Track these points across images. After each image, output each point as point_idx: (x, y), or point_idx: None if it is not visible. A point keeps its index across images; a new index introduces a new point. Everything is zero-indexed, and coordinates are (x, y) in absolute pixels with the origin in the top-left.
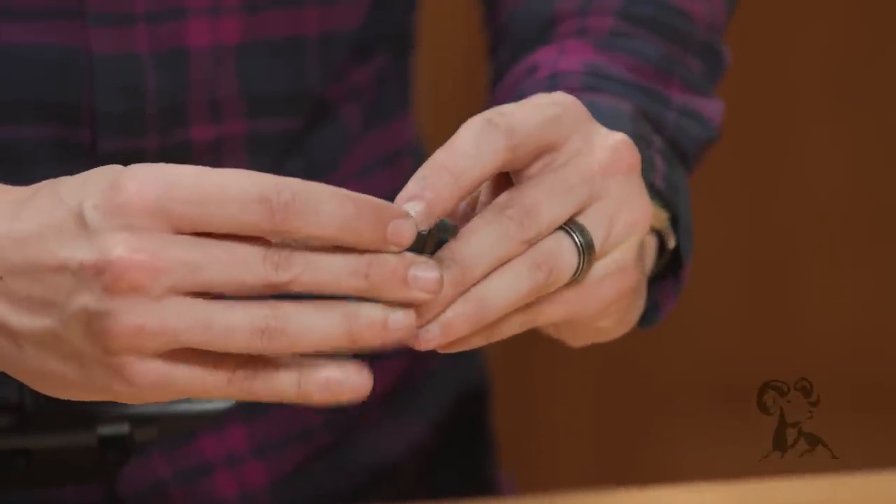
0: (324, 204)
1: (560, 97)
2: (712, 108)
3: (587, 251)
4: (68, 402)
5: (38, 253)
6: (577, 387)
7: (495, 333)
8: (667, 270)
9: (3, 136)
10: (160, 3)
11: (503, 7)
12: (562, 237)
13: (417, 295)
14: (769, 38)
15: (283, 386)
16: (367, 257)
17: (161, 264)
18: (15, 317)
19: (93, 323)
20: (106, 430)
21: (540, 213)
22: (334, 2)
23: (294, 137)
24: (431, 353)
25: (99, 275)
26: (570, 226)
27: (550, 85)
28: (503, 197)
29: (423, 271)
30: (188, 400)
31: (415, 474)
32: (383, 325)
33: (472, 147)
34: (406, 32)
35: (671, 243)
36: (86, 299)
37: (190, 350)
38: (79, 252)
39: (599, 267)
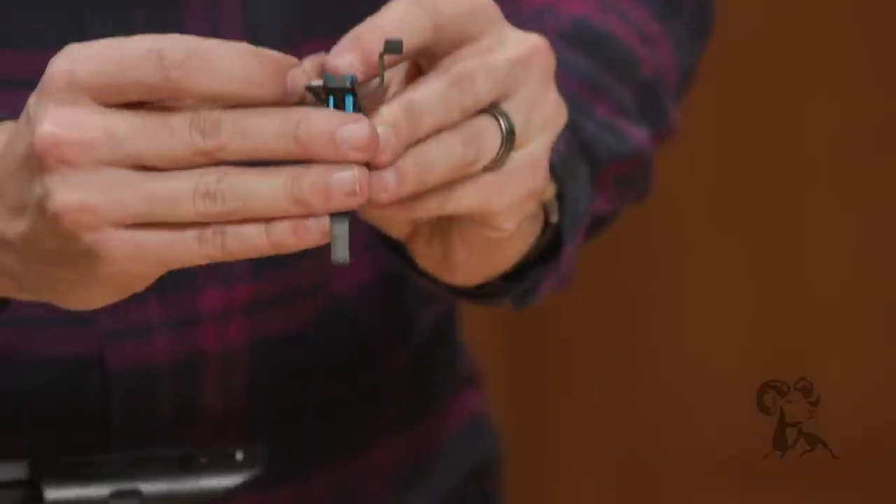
0: (224, 58)
1: None
2: (637, 133)
3: (509, 137)
4: (75, 475)
5: (8, 158)
6: (588, 462)
7: (413, 209)
8: (549, 253)
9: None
10: None
11: None
12: (488, 118)
13: (350, 154)
14: (779, 109)
15: (252, 236)
16: (294, 116)
17: (85, 135)
18: (9, 227)
19: (45, 209)
20: None
21: (476, 83)
22: None
23: None
24: (442, 426)
25: (32, 158)
26: (494, 110)
27: None
28: (440, 67)
29: (353, 130)
30: (198, 476)
31: None
32: (327, 184)
33: (399, 21)
34: None
35: (554, 217)
36: (36, 188)
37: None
38: (21, 144)
39: (515, 157)
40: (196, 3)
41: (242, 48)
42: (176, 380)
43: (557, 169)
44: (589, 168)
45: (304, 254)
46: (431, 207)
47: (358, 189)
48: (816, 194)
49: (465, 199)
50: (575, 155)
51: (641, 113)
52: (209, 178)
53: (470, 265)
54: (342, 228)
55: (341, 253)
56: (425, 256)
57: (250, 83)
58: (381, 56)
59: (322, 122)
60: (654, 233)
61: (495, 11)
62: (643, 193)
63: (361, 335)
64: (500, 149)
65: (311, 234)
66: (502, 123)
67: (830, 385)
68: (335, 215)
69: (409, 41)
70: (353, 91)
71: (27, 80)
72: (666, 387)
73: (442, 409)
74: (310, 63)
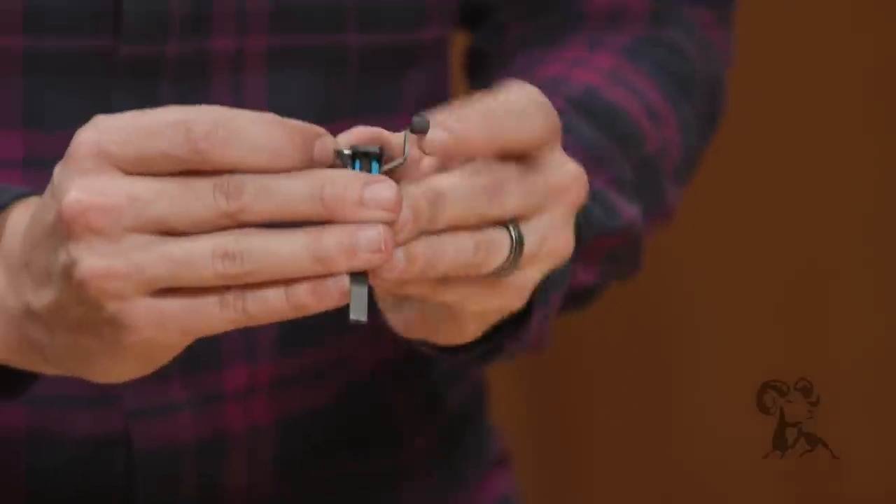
0: (251, 129)
1: (549, 108)
2: (630, 210)
3: (516, 257)
4: None
5: (35, 228)
6: None
7: (401, 288)
8: (519, 317)
9: (30, 43)
10: None
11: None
12: (503, 232)
13: (375, 214)
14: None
15: (272, 298)
16: (319, 177)
17: (111, 202)
18: (35, 297)
19: (72, 277)
20: None
21: (506, 196)
22: None
23: (318, 52)
24: None
25: (60, 226)
26: (512, 225)
27: None
28: (479, 164)
29: (380, 190)
30: None
31: None
32: (352, 242)
33: (482, 126)
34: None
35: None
36: (62, 256)
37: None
38: (48, 213)
39: (510, 274)
40: (221, 78)
41: (269, 119)
42: (200, 458)
43: None
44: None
45: (328, 330)
46: (418, 291)
47: (383, 246)
48: (821, 193)
49: (448, 295)
50: None
51: (638, 189)
52: (228, 239)
53: (423, 332)
54: (361, 288)
55: (359, 312)
56: (383, 307)
57: (277, 154)
58: (406, 134)
59: (348, 182)
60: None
61: (556, 138)
62: (633, 270)
63: (386, 413)
64: (504, 262)
65: (330, 294)
66: (514, 242)
67: (830, 385)
68: (354, 276)
69: (460, 147)
70: (379, 157)
71: (54, 159)
72: (675, 400)
73: (470, 490)
74: (342, 136)
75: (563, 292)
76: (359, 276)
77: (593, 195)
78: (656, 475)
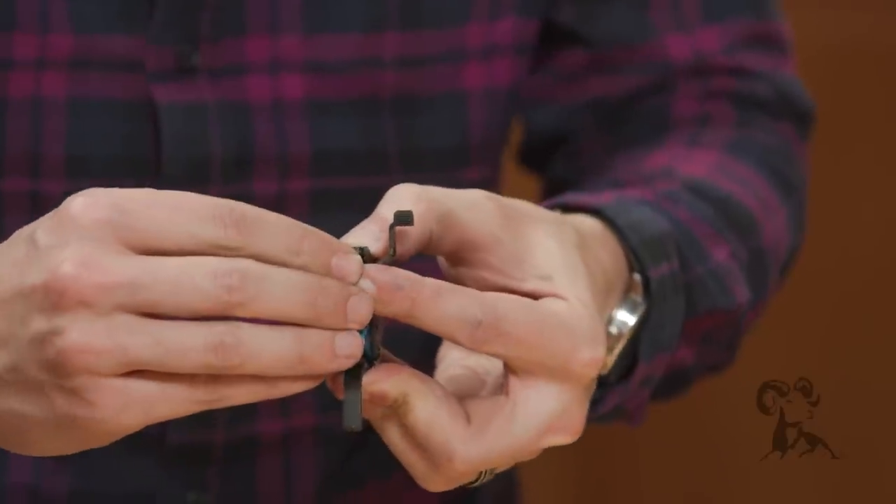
0: (272, 225)
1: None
2: (742, 292)
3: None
4: None
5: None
6: None
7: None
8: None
9: (71, 188)
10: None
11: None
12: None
13: (352, 326)
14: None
15: (251, 388)
16: (316, 284)
17: (107, 279)
18: None
19: (46, 346)
20: None
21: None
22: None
23: (360, 193)
24: None
25: (47, 294)
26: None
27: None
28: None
29: (360, 304)
30: None
31: None
32: (331, 348)
33: (453, 309)
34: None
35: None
36: (38, 323)
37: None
38: (29, 276)
39: None
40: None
41: (292, 221)
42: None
43: (651, 286)
44: (685, 306)
45: (370, 480)
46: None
47: (358, 352)
48: (820, 193)
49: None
50: (675, 288)
51: (749, 275)
52: (219, 329)
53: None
54: (354, 395)
55: (353, 420)
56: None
57: (294, 253)
58: (391, 228)
59: (337, 297)
60: None
61: (586, 324)
62: (726, 360)
63: None
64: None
65: (313, 379)
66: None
67: (830, 385)
68: (348, 383)
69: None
70: (363, 254)
71: None
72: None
73: None
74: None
75: (667, 361)
76: (352, 384)
77: (712, 272)
78: (655, 475)
